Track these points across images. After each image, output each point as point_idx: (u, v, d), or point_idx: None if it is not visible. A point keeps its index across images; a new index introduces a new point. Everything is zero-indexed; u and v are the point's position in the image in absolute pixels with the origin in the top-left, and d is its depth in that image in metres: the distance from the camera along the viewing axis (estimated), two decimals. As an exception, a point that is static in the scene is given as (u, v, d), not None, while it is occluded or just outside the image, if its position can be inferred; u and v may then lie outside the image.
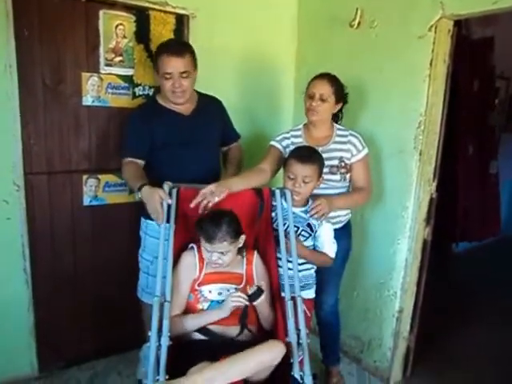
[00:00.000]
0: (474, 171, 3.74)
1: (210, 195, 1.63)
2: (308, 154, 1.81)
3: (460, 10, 1.89)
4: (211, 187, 1.65)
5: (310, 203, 1.86)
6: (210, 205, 1.62)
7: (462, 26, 3.15)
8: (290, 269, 1.70)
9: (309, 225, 1.84)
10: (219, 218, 1.56)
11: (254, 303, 1.57)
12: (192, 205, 1.62)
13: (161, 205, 1.64)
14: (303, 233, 1.83)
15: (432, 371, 2.44)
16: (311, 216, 1.80)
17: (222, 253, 1.56)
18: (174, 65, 1.87)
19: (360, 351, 2.49)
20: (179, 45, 2.00)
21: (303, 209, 1.86)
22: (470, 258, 4.17)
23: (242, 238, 1.62)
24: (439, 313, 3.04)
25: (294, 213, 1.79)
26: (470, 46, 3.35)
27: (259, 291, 1.56)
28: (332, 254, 1.86)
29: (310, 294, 1.93)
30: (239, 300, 1.53)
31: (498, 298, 3.36)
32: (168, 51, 1.88)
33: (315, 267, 1.95)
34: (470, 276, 3.82)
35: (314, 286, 1.97)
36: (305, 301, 1.80)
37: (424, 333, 2.40)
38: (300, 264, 1.80)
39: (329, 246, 1.86)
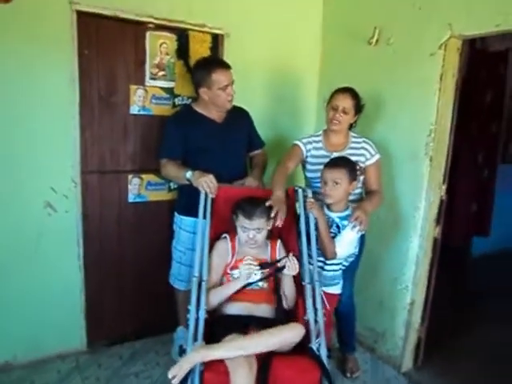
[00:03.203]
0: (469, 177, 3.89)
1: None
2: (335, 161, 2.05)
3: (467, 31, 2.10)
4: (276, 209, 1.85)
5: (348, 210, 2.04)
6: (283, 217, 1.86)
7: (475, 41, 3.34)
8: (311, 264, 1.92)
9: (337, 226, 2.04)
10: (256, 199, 1.89)
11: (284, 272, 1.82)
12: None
13: (212, 182, 1.98)
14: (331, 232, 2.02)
15: (442, 362, 2.61)
16: (357, 231, 1.96)
17: (258, 230, 1.83)
18: (229, 76, 2.19)
19: (374, 341, 2.68)
20: (222, 60, 2.28)
21: (339, 214, 2.04)
22: (486, 263, 4.28)
23: (271, 220, 1.88)
24: (454, 310, 3.23)
25: (328, 216, 2.02)
26: (484, 59, 3.52)
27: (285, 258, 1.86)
28: (337, 250, 1.99)
29: (335, 289, 2.13)
30: (250, 267, 1.79)
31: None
32: (222, 65, 2.18)
33: (342, 268, 2.12)
34: (485, 280, 3.95)
35: (341, 283, 2.16)
36: (329, 295, 2.05)
37: (437, 327, 2.57)
38: (328, 265, 2.05)
39: (341, 244, 2.00)
